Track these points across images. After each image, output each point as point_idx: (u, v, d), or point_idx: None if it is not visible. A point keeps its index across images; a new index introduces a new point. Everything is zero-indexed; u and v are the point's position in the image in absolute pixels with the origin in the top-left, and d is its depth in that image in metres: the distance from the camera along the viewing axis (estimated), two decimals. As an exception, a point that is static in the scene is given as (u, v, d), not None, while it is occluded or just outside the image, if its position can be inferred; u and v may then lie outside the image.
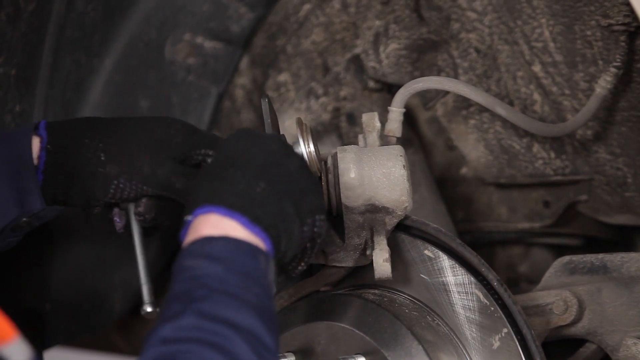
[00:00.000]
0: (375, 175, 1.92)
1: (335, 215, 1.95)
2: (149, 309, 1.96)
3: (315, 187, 1.77)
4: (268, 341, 1.53)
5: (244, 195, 1.66)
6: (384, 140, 2.03)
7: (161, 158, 1.95)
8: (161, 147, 1.96)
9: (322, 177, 1.94)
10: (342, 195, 1.91)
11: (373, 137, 2.01)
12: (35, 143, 1.94)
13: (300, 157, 1.80)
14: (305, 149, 1.92)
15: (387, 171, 1.92)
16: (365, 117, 2.03)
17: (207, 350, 1.46)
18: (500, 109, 2.10)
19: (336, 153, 1.94)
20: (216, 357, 1.46)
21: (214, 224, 1.62)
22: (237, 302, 1.53)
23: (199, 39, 2.59)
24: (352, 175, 1.92)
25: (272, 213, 1.67)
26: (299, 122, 1.94)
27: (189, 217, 1.65)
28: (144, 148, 1.95)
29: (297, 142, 1.91)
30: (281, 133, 1.96)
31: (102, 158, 1.94)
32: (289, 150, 1.78)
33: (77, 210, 2.00)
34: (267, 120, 1.93)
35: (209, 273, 1.56)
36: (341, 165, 1.92)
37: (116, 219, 2.00)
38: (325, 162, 1.95)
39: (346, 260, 1.96)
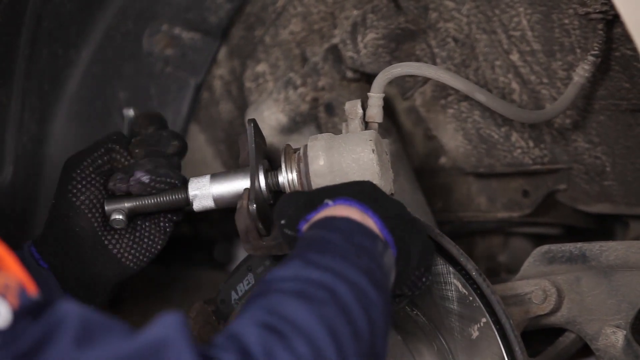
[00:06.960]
0: (345, 161, 1.92)
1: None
2: None
3: (433, 254, 1.84)
4: (374, 298, 1.57)
5: (385, 208, 1.73)
6: (366, 127, 2.03)
7: None
8: None
9: (295, 167, 1.95)
10: (312, 182, 1.91)
11: (355, 125, 2.00)
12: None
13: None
14: (287, 176, 1.93)
15: (357, 156, 1.92)
16: (348, 105, 2.02)
17: (315, 289, 1.52)
18: (480, 95, 2.09)
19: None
20: (320, 294, 1.51)
21: (348, 211, 1.70)
22: (348, 262, 1.59)
23: (177, 30, 2.57)
24: (321, 162, 1.92)
25: (404, 231, 1.74)
26: (287, 150, 1.95)
27: (329, 202, 1.73)
28: None
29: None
30: (260, 126, 1.95)
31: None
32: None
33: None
34: (252, 145, 1.94)
35: (328, 238, 1.63)
36: (310, 154, 1.92)
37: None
38: (298, 152, 1.95)
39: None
